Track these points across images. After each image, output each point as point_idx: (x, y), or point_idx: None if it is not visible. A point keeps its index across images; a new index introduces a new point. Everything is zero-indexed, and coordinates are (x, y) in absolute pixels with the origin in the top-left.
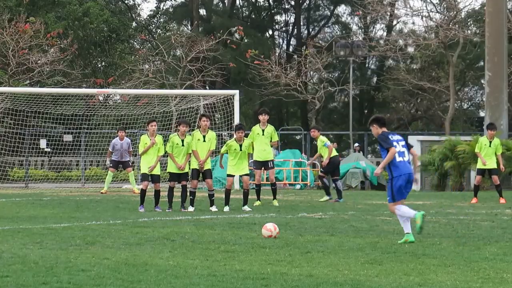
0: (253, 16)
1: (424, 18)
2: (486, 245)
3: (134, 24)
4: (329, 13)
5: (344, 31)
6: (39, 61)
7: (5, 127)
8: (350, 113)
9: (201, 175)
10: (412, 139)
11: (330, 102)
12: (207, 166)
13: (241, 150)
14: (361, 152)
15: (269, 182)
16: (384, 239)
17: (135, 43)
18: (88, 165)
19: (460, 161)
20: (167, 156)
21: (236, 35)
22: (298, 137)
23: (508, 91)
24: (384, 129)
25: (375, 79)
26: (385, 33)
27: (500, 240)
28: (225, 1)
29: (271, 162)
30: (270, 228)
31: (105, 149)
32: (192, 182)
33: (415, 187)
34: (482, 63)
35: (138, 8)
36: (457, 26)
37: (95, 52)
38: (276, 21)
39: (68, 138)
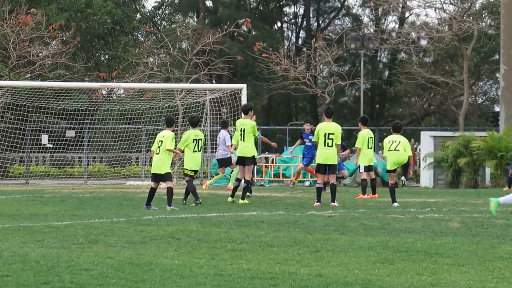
0: (261, 7)
1: (437, 10)
2: (501, 244)
3: (138, 16)
4: (339, 5)
5: (355, 23)
6: (41, 54)
7: (5, 122)
8: (361, 108)
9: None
10: (425, 135)
11: (341, 96)
12: None
13: None
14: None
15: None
16: (396, 238)
17: (140, 36)
18: (91, 162)
19: (475, 157)
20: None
21: (244, 27)
22: None
23: None
24: None
25: (386, 73)
26: (397, 26)
27: None
28: None
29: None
30: None
31: (109, 144)
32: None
33: None
34: (497, 56)
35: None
36: (471, 18)
37: (98, 44)
38: (285, 12)
39: (70, 133)
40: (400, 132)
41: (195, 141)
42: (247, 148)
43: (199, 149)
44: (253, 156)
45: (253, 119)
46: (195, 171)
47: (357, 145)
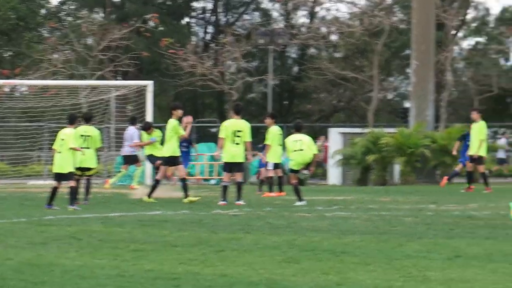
0: (169, 2)
1: (348, 4)
2: (409, 242)
3: (43, 11)
4: None
5: (264, 19)
6: None
7: None
8: (269, 104)
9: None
10: (334, 132)
11: (248, 93)
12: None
13: None
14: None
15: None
16: (302, 237)
17: (44, 32)
18: None
19: (384, 154)
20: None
21: (151, 23)
22: (214, 130)
23: (435, 81)
24: None
25: (296, 68)
26: (307, 20)
27: (423, 237)
28: None
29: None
30: None
31: (10, 143)
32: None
33: None
34: (408, 52)
35: None
36: (382, 12)
37: (1, 41)
38: (193, 7)
39: None
40: (301, 131)
41: (82, 136)
42: (165, 148)
43: (88, 146)
44: (169, 156)
45: (187, 118)
46: (81, 169)
47: (267, 142)
